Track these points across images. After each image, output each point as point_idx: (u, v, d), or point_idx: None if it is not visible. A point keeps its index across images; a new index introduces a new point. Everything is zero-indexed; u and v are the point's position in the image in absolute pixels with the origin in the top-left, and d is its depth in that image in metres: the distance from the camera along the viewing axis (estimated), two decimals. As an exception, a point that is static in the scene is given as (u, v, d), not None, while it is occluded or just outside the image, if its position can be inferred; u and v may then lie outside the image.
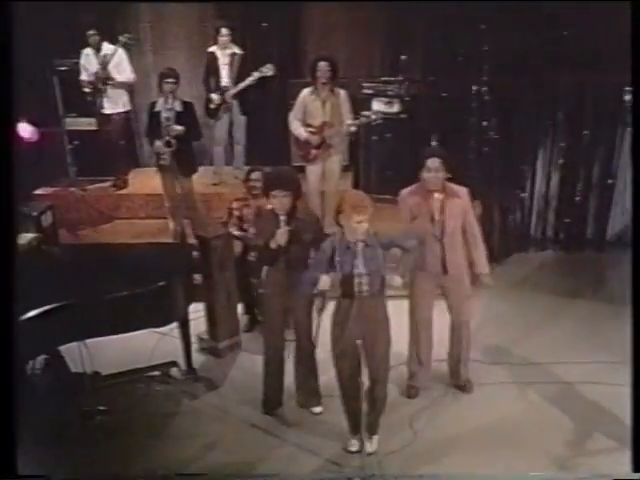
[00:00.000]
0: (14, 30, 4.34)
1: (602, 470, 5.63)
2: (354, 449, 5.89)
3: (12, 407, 4.09)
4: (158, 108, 8.63)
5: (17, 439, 4.09)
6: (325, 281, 5.42)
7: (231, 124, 10.15)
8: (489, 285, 6.63)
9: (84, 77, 9.86)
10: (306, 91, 8.83)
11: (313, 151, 8.85)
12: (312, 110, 8.79)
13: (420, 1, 9.40)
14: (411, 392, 6.70)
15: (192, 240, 8.36)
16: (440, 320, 6.63)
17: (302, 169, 9.00)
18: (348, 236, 5.34)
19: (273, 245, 5.84)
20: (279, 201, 5.82)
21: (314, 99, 8.76)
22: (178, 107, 8.60)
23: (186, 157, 8.83)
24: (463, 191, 6.30)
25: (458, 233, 6.28)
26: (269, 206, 6.00)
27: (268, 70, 9.69)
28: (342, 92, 8.83)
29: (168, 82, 8.53)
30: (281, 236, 5.79)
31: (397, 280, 5.46)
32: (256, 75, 9.71)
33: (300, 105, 8.85)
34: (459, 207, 6.23)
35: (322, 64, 8.62)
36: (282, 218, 5.80)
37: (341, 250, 5.38)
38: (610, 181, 9.66)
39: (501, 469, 5.66)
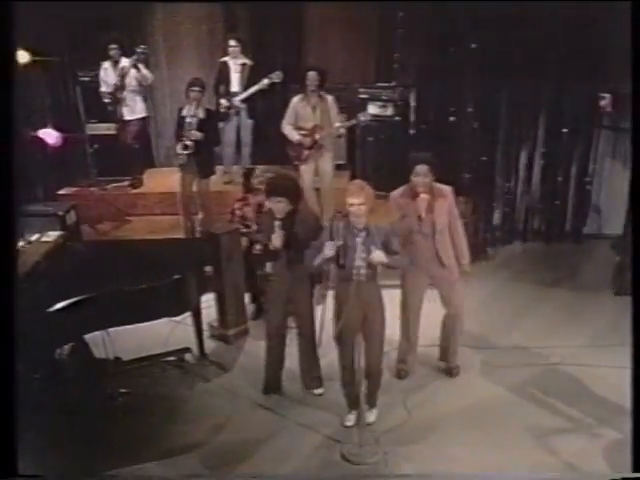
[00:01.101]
0: (15, 32, 4.25)
1: (578, 444, 5.79)
2: (350, 424, 6.03)
3: (12, 407, 4.03)
4: (184, 113, 8.74)
5: (17, 439, 4.04)
6: (330, 246, 5.45)
7: (239, 127, 10.26)
8: (468, 272, 6.65)
9: (103, 89, 9.99)
10: (296, 98, 8.97)
11: (305, 152, 8.98)
12: (303, 115, 8.92)
13: (413, 8, 9.52)
14: (401, 373, 6.81)
15: (201, 235, 8.56)
16: (432, 308, 6.71)
17: (297, 168, 9.18)
18: (352, 222, 5.48)
19: (271, 247, 5.96)
20: (275, 206, 5.91)
21: (304, 105, 8.89)
22: (201, 114, 8.70)
23: (206, 160, 8.96)
24: (448, 190, 6.37)
25: (446, 229, 6.36)
26: (267, 204, 6.14)
27: (277, 77, 9.82)
28: (329, 98, 8.96)
29: (194, 90, 8.63)
30: (276, 240, 5.89)
31: (379, 255, 5.49)
32: (266, 81, 9.85)
33: (291, 111, 8.98)
34: (446, 206, 6.31)
35: (311, 74, 8.75)
36: (277, 223, 5.89)
37: (343, 236, 5.49)
38: (587, 179, 9.77)
39: (488, 445, 5.77)
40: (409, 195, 6.26)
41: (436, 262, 6.36)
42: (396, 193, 6.39)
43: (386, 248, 5.53)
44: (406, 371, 6.83)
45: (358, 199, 5.40)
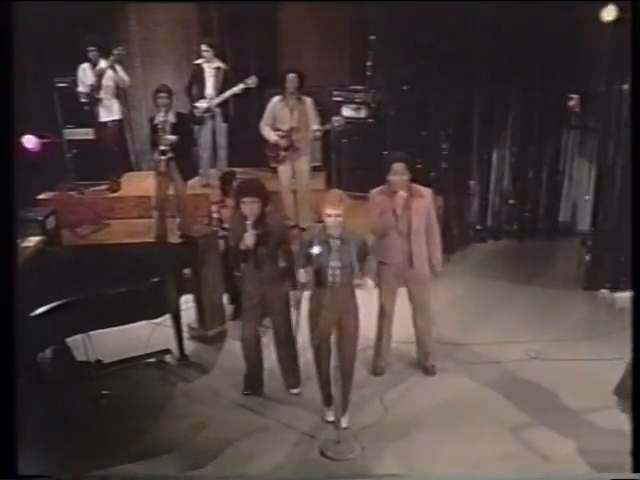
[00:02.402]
0: (16, 49, 4.22)
1: (553, 437, 5.84)
2: (331, 419, 6.06)
3: (13, 407, 4.00)
4: (156, 121, 8.77)
5: (18, 439, 4.00)
6: (302, 274, 5.64)
7: (214, 130, 10.29)
8: (439, 272, 6.73)
9: (81, 89, 9.93)
10: (275, 99, 9.02)
11: (282, 153, 9.06)
12: (281, 116, 8.98)
13: (385, 15, 9.57)
14: (377, 371, 6.88)
15: (176, 238, 8.59)
16: (407, 305, 6.75)
17: (275, 170, 9.30)
18: (328, 230, 5.56)
19: (242, 247, 5.97)
20: (249, 207, 5.93)
21: (283, 106, 8.95)
22: (172, 119, 8.75)
23: (185, 163, 9.00)
24: (427, 192, 6.46)
25: (422, 229, 6.43)
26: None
27: (252, 82, 9.88)
28: (308, 100, 9.04)
29: (161, 96, 8.67)
30: (248, 239, 5.89)
31: (370, 284, 5.66)
32: (241, 86, 9.90)
33: (270, 112, 9.04)
34: (423, 206, 6.39)
35: (290, 76, 8.82)
36: (249, 223, 5.90)
37: (319, 244, 5.56)
38: (558, 177, 9.88)
39: (464, 440, 5.82)
40: (387, 193, 6.34)
41: (407, 261, 6.45)
42: (375, 192, 6.47)
43: (359, 256, 5.63)
44: (382, 368, 6.89)
45: (336, 210, 5.47)
